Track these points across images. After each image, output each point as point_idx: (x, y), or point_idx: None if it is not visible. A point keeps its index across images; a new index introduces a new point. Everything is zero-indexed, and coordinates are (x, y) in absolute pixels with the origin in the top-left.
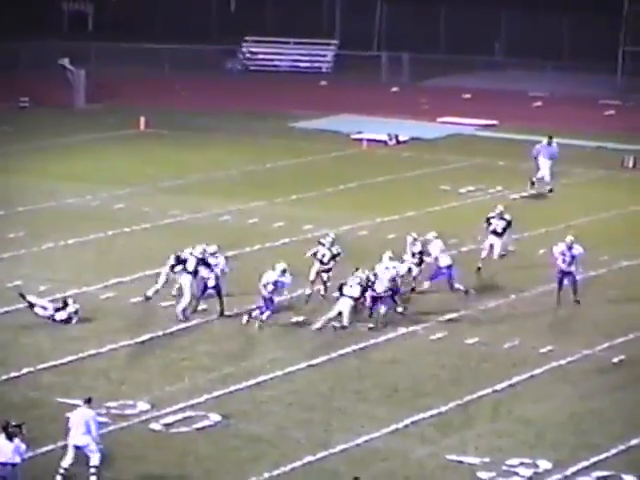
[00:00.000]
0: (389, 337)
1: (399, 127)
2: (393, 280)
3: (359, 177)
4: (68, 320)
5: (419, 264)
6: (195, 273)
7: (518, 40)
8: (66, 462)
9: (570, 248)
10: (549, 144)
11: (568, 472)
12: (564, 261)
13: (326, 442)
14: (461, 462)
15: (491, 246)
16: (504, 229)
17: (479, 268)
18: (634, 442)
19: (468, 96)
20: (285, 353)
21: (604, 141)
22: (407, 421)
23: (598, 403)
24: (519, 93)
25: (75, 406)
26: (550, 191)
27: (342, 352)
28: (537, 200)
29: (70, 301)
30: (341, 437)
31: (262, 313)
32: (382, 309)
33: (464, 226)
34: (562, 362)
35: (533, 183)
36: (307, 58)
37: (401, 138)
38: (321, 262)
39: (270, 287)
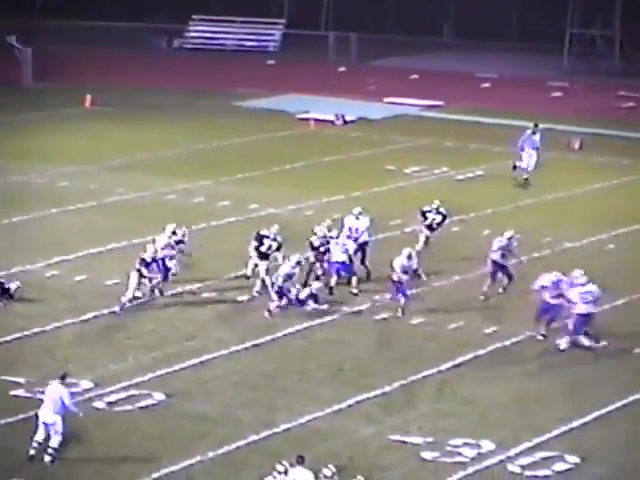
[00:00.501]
0: (334, 317)
1: (346, 107)
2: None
3: (305, 157)
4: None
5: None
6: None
7: (466, 21)
8: (39, 436)
9: (509, 241)
10: (534, 133)
11: (511, 453)
12: (503, 256)
13: (270, 422)
14: (404, 442)
15: (427, 238)
16: (439, 224)
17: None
18: (576, 423)
19: (415, 77)
20: (230, 333)
21: (551, 123)
22: (351, 401)
23: (541, 384)
24: (466, 74)
25: (18, 384)
26: (525, 180)
27: (287, 332)
28: (482, 181)
29: (12, 285)
30: (285, 417)
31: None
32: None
33: (409, 207)
34: (506, 343)
35: (515, 167)
36: (254, 37)
37: (348, 118)
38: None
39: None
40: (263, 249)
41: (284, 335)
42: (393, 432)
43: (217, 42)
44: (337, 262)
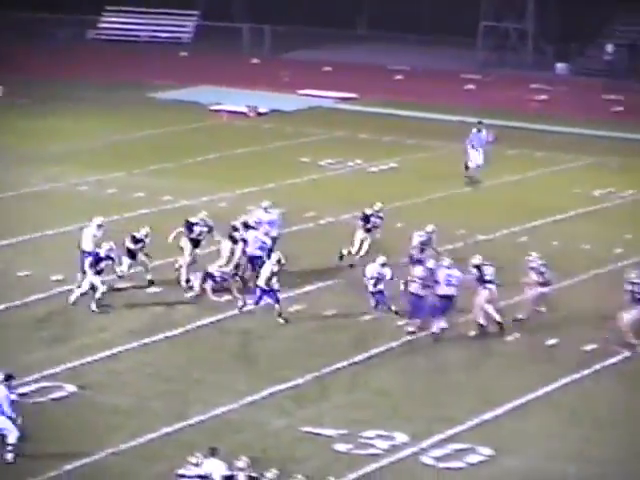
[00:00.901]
0: (247, 309)
1: (259, 99)
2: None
3: (219, 148)
4: None
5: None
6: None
7: (379, 14)
8: None
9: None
10: (479, 131)
11: (424, 445)
12: (422, 250)
13: (183, 413)
14: (317, 434)
15: (362, 242)
16: (375, 226)
17: (341, 256)
18: (489, 415)
19: (329, 69)
20: (142, 324)
21: (464, 115)
22: (264, 393)
23: (454, 376)
24: (380, 66)
25: None
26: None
27: (200, 324)
28: (396, 173)
29: None
30: (199, 409)
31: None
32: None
33: (323, 199)
34: (419, 335)
35: (467, 167)
36: (168, 28)
37: (261, 110)
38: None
39: None
40: (194, 236)
41: (197, 327)
42: (306, 424)
43: (131, 33)
44: (254, 255)
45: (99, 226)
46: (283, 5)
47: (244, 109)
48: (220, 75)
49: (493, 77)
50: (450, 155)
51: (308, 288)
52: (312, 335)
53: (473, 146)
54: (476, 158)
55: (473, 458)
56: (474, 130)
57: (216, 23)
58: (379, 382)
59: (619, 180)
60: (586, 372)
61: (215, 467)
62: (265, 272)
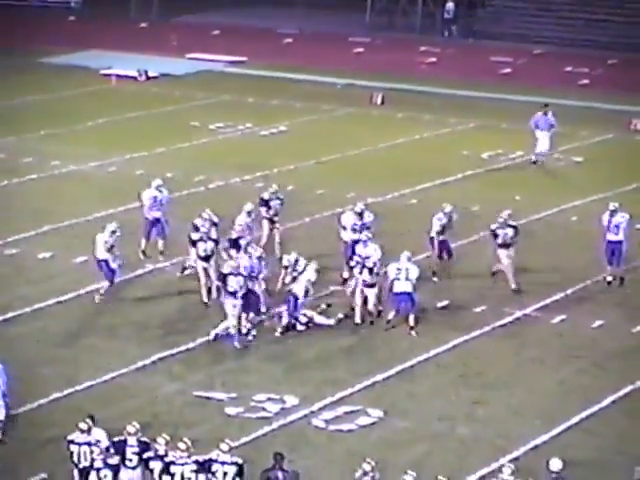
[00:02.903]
0: (138, 274)
1: (149, 63)
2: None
3: (108, 113)
4: None
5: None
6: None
7: None
8: None
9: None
10: (545, 114)
11: (314, 407)
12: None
13: (73, 379)
14: (208, 398)
15: (271, 230)
16: (277, 214)
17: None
18: (379, 377)
19: (217, 32)
20: (34, 289)
21: (353, 78)
22: (155, 357)
23: (343, 340)
24: (268, 30)
25: None
26: (534, 163)
27: (92, 289)
28: (285, 136)
29: None
30: (89, 374)
31: None
32: None
33: (213, 163)
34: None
35: (535, 162)
36: None
37: (151, 74)
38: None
39: None
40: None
41: (87, 292)
42: (197, 388)
43: None
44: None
45: (112, 232)
46: None
47: (134, 73)
48: (110, 40)
49: (382, 41)
50: (339, 118)
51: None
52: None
53: (538, 127)
54: (542, 143)
55: (363, 420)
56: (539, 113)
57: None
58: (269, 347)
59: (507, 142)
60: (476, 333)
61: (101, 435)
62: (302, 283)
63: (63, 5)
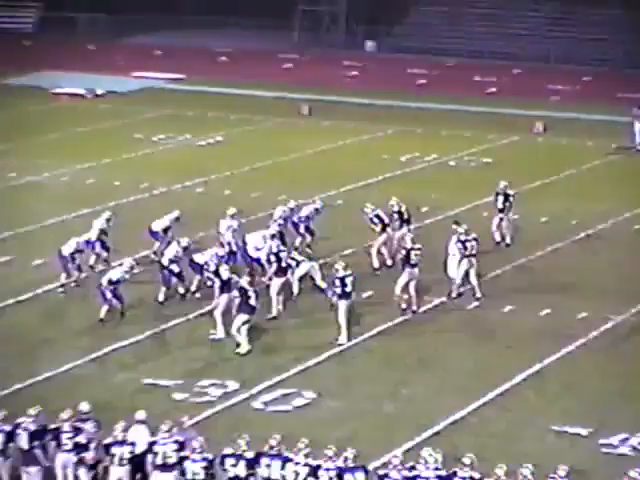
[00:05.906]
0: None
1: (96, 82)
2: None
3: (60, 128)
4: None
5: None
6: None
7: None
8: None
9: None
10: None
11: (254, 391)
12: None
13: (34, 371)
14: (156, 385)
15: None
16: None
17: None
18: (311, 362)
19: (158, 53)
20: None
21: (282, 91)
22: (107, 349)
23: (279, 326)
24: (205, 49)
25: None
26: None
27: (47, 288)
28: (222, 146)
29: None
30: (48, 366)
31: None
32: None
33: (157, 171)
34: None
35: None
36: (11, 20)
37: (98, 92)
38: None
39: None
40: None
41: (44, 292)
42: (146, 376)
43: None
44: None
45: (107, 220)
46: None
47: (82, 91)
48: (60, 61)
49: (309, 56)
50: (270, 128)
51: (147, 252)
52: (150, 296)
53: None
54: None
55: (299, 401)
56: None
57: (56, 13)
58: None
59: (423, 146)
60: (398, 320)
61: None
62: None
63: (19, 30)
